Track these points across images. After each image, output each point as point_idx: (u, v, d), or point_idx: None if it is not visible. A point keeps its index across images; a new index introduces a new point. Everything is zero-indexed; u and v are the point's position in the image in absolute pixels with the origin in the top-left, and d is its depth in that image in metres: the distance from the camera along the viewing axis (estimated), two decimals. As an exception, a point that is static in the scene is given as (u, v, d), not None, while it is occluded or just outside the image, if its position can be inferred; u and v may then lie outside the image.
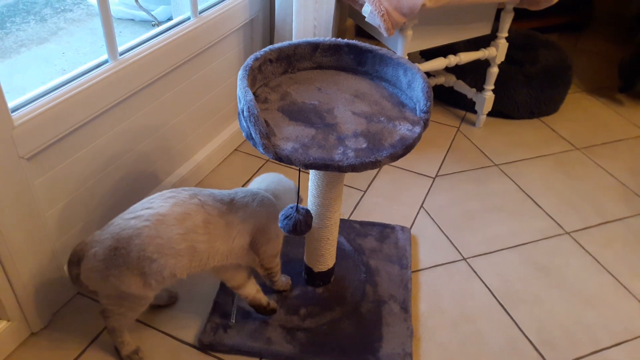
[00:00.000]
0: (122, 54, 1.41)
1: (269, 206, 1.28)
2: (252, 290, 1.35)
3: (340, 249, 1.60)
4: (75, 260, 1.18)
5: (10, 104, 1.16)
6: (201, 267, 1.20)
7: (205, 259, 1.19)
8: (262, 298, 1.38)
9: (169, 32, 1.54)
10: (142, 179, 1.63)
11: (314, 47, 1.31)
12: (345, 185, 1.91)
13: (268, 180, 1.35)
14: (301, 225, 1.17)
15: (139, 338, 1.36)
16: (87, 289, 1.21)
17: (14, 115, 1.15)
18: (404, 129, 1.16)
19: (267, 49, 1.26)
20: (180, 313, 1.44)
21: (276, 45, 1.28)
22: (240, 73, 1.16)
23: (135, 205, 1.19)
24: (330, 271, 1.48)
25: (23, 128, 1.16)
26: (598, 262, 1.68)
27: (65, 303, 1.44)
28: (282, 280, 1.44)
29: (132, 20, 3.02)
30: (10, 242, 1.20)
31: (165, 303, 1.44)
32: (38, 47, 2.90)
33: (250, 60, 1.21)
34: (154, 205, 1.16)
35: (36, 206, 1.25)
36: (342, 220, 1.73)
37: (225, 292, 1.46)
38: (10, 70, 2.67)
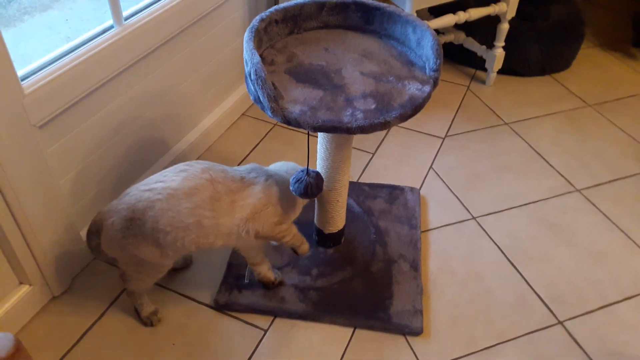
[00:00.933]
0: (127, 18, 1.40)
1: (281, 184, 1.26)
2: (264, 268, 1.38)
3: (350, 211, 1.62)
4: (95, 230, 1.21)
5: (20, 73, 1.17)
6: (209, 244, 1.21)
7: (212, 235, 1.20)
8: (271, 275, 1.40)
9: (172, -5, 1.51)
10: (151, 146, 1.64)
11: (321, 5, 1.29)
12: (354, 147, 1.91)
13: (288, 167, 1.34)
14: (312, 187, 1.18)
15: (157, 300, 1.40)
16: (107, 258, 1.24)
17: (24, 83, 1.16)
18: (414, 89, 1.15)
19: (272, 9, 1.24)
20: (195, 275, 1.47)
21: (281, 5, 1.26)
22: (246, 35, 1.15)
23: (150, 177, 1.21)
24: (341, 232, 1.50)
25: (33, 97, 1.16)
26: (608, 218, 1.68)
27: (84, 267, 1.48)
28: (304, 247, 1.41)
29: (135, -16, 2.97)
30: (28, 209, 1.23)
31: (181, 266, 1.48)
32: (41, 15, 2.86)
33: (255, 21, 1.19)
34: (167, 179, 1.18)
35: (50, 174, 1.27)
36: (351, 183, 1.74)
37: (238, 254, 1.49)
38: (16, 38, 2.65)
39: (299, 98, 1.11)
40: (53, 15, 2.89)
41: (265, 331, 1.35)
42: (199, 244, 1.19)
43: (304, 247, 1.38)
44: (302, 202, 1.33)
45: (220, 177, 1.20)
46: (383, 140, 1.95)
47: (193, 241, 1.18)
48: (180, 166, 1.21)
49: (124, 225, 1.16)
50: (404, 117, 1.09)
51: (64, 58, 1.25)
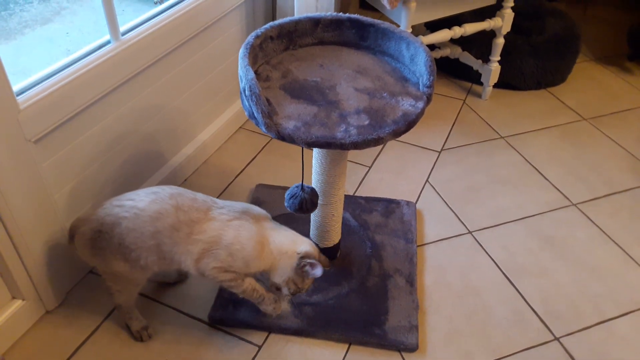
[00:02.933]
0: (124, 34, 1.41)
1: (247, 230, 1.19)
2: (267, 306, 1.29)
3: (346, 225, 1.62)
4: (71, 235, 1.23)
5: (15, 88, 1.17)
6: (168, 267, 1.21)
7: (169, 260, 1.19)
8: (278, 308, 1.32)
9: (170, 10, 1.53)
10: (148, 159, 1.65)
11: (315, 22, 1.30)
12: (350, 161, 1.91)
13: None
14: (307, 203, 1.18)
15: (151, 314, 1.40)
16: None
17: (19, 98, 1.16)
18: (407, 105, 1.15)
19: (267, 25, 1.25)
20: (190, 290, 1.47)
21: (277, 21, 1.27)
22: (241, 51, 1.16)
23: (126, 194, 1.22)
24: (336, 247, 1.50)
25: (28, 112, 1.17)
26: (604, 233, 1.68)
27: (78, 281, 1.47)
28: (270, 308, 1.30)
29: (135, -3, 2.99)
30: (22, 223, 1.23)
31: (175, 280, 1.47)
32: (42, 28, 2.88)
33: (251, 37, 1.20)
34: (137, 198, 1.19)
35: (45, 188, 1.27)
36: (347, 197, 1.74)
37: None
38: (16, 52, 2.67)
39: (293, 114, 1.12)
40: (54, 28, 2.92)
41: (260, 347, 1.35)
42: (160, 265, 1.20)
43: (270, 308, 1.28)
44: (259, 266, 1.21)
45: (187, 205, 1.18)
46: (379, 153, 1.95)
47: (155, 262, 1.19)
48: (154, 188, 1.21)
49: (93, 236, 1.18)
50: (397, 133, 1.10)
51: (60, 73, 1.25)
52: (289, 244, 1.23)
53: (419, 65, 1.20)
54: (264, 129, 1.09)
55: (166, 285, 1.47)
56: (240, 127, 2.04)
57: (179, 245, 1.17)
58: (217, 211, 1.20)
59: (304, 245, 1.24)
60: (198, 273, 1.20)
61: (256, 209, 1.26)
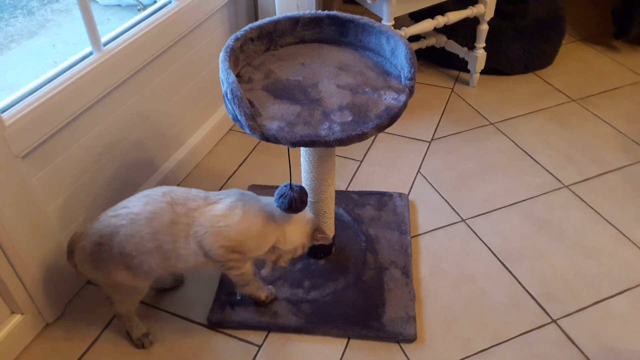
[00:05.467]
0: (105, 44, 1.41)
1: (251, 209, 1.21)
2: (252, 289, 1.35)
3: (339, 220, 1.63)
4: (70, 251, 1.24)
5: (-1, 105, 1.18)
6: (173, 266, 1.22)
7: (174, 259, 1.19)
8: (262, 295, 1.38)
9: (150, 17, 1.53)
10: (139, 167, 1.65)
11: (295, 21, 1.30)
12: (341, 156, 1.92)
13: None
14: (296, 202, 1.18)
15: (150, 320, 1.41)
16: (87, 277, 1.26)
17: (4, 115, 1.17)
18: (390, 99, 1.16)
19: (247, 27, 1.25)
20: (187, 294, 1.48)
21: (256, 23, 1.27)
22: (222, 55, 1.16)
23: (119, 203, 1.23)
24: (331, 243, 1.50)
25: (14, 127, 1.17)
26: (598, 213, 1.69)
27: (76, 293, 1.48)
28: (261, 291, 1.37)
29: (119, 5, 2.99)
30: (15, 239, 1.23)
31: (172, 286, 1.48)
32: (28, 42, 2.89)
33: (230, 41, 1.21)
34: (130, 204, 1.19)
35: (37, 202, 1.28)
36: (339, 192, 1.74)
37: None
38: (3, 67, 2.67)
39: (277, 114, 1.12)
40: (40, 41, 2.92)
41: (260, 347, 1.36)
42: (164, 266, 1.21)
43: (264, 294, 1.37)
44: (269, 241, 1.24)
45: (181, 198, 1.19)
46: (370, 147, 1.96)
47: (159, 264, 1.20)
48: (145, 192, 1.22)
49: (93, 249, 1.18)
50: (380, 128, 1.10)
51: (44, 87, 1.26)
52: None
53: (400, 58, 1.20)
54: (248, 131, 1.10)
55: (163, 291, 1.48)
56: (229, 129, 2.05)
57: (180, 238, 1.18)
58: (216, 197, 1.23)
59: (309, 213, 1.33)
60: (203, 252, 1.19)
61: (249, 192, 1.28)
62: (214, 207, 1.20)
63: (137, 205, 1.18)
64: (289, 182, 1.21)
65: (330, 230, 1.47)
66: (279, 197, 1.21)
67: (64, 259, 1.40)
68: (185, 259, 1.20)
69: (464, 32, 2.21)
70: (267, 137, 1.09)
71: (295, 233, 1.27)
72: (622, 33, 2.42)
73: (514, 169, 1.85)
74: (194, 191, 1.23)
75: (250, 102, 1.14)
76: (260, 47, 1.29)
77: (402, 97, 1.15)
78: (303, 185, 1.35)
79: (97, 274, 1.22)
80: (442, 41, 2.22)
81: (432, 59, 2.37)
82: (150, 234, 1.16)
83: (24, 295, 1.31)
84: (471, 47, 2.15)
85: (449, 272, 1.52)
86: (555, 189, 1.77)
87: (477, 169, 1.86)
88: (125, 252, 1.17)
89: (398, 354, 1.33)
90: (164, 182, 1.74)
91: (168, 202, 1.18)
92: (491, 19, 2.05)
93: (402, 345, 1.35)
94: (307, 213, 1.32)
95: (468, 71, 2.24)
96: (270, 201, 1.25)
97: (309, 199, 1.36)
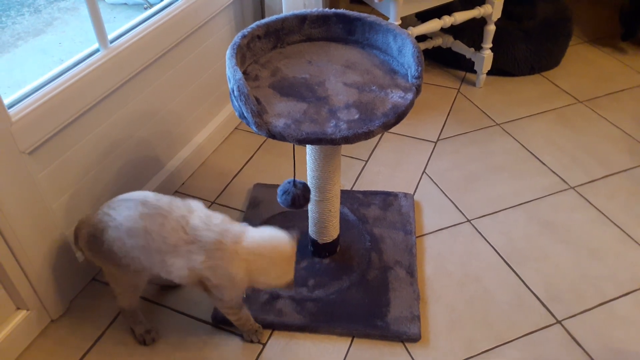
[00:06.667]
0: (112, 41, 1.41)
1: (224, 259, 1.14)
2: (238, 318, 1.30)
3: (344, 220, 1.62)
4: (75, 236, 1.26)
5: (6, 101, 1.18)
6: (152, 275, 1.21)
7: (149, 269, 1.18)
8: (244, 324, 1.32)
9: (157, 15, 1.53)
10: (145, 165, 1.65)
11: (302, 19, 1.30)
12: (346, 156, 1.91)
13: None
14: (299, 199, 1.18)
15: (155, 318, 1.41)
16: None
17: (11, 111, 1.17)
18: (396, 97, 1.15)
19: (254, 25, 1.25)
20: (192, 292, 1.48)
21: (263, 20, 1.27)
22: (228, 52, 1.16)
23: (116, 198, 1.22)
24: (335, 242, 1.50)
25: (21, 124, 1.18)
26: (603, 214, 1.68)
27: (81, 289, 1.48)
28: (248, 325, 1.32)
29: (126, 4, 3.00)
30: (21, 235, 1.24)
31: (176, 284, 1.48)
32: (35, 39, 2.90)
33: (237, 38, 1.21)
34: (118, 208, 1.18)
35: (42, 199, 1.28)
36: (345, 191, 1.74)
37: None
38: (10, 64, 2.68)
39: (283, 112, 1.12)
40: (47, 39, 2.93)
41: (264, 345, 1.36)
42: (146, 274, 1.21)
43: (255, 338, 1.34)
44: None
45: (164, 209, 1.15)
46: (375, 147, 1.96)
47: (146, 269, 1.18)
48: (129, 202, 1.18)
49: (89, 239, 1.20)
50: (387, 126, 1.10)
51: (50, 84, 1.26)
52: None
53: (407, 57, 1.20)
54: (254, 128, 1.10)
55: (168, 289, 1.48)
56: (235, 128, 2.05)
57: (155, 265, 1.16)
58: (194, 234, 1.14)
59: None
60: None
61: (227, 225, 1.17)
62: (190, 255, 1.14)
63: (121, 215, 1.16)
64: (292, 178, 1.20)
65: (335, 229, 1.47)
66: (282, 194, 1.21)
67: (68, 255, 1.40)
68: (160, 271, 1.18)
69: (471, 32, 2.20)
70: (273, 135, 1.09)
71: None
72: (630, 35, 2.41)
73: (519, 169, 1.84)
74: (170, 224, 1.15)
75: (257, 100, 1.14)
76: (267, 44, 1.29)
77: (409, 96, 1.15)
78: (308, 183, 1.35)
79: (96, 261, 1.24)
80: (448, 41, 2.22)
81: (439, 59, 2.37)
82: (132, 245, 1.15)
83: (29, 291, 1.31)
84: (478, 47, 2.15)
85: (454, 272, 1.52)
86: (561, 190, 1.76)
87: (482, 169, 1.85)
88: (113, 250, 1.17)
89: (402, 354, 1.33)
90: (170, 180, 1.74)
91: (143, 228, 1.14)
92: (498, 19, 2.04)
93: (406, 344, 1.35)
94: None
95: (474, 72, 2.23)
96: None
97: (314, 198, 1.36)
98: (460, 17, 1.97)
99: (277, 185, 1.76)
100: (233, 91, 1.10)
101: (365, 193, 1.73)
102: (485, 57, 2.12)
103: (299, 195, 1.17)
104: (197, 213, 1.16)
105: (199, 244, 1.12)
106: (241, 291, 1.21)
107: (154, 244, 1.13)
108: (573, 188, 1.77)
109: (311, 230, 1.47)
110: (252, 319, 1.34)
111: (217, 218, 1.16)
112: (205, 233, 1.13)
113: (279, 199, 1.20)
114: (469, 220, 1.67)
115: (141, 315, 1.34)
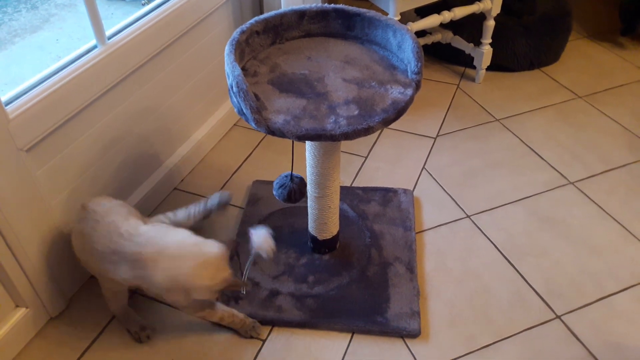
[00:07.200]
0: (110, 37, 1.40)
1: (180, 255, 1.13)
2: (214, 316, 1.28)
3: (344, 216, 1.62)
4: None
5: (3, 98, 1.17)
6: (129, 284, 1.22)
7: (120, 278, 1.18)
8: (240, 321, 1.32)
9: (155, 11, 1.52)
10: (144, 162, 1.65)
11: (301, 15, 1.30)
12: (346, 152, 1.91)
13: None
14: (295, 193, 1.18)
15: (154, 315, 1.41)
16: None
17: (8, 108, 1.17)
18: (396, 93, 1.15)
19: (252, 20, 1.25)
20: (191, 289, 1.47)
21: (262, 16, 1.26)
22: (227, 48, 1.16)
23: (98, 199, 1.24)
24: (335, 238, 1.50)
25: (18, 121, 1.17)
26: (603, 209, 1.68)
27: (80, 287, 1.48)
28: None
29: (123, 0, 2.99)
30: (19, 232, 1.23)
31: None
32: (32, 36, 2.88)
33: (236, 34, 1.20)
34: (88, 216, 1.20)
35: (41, 196, 1.27)
36: (344, 187, 1.74)
37: (233, 266, 1.49)
38: (7, 61, 2.67)
39: (283, 108, 1.12)
40: (44, 35, 2.91)
41: (264, 341, 1.36)
42: (125, 282, 1.21)
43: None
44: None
45: (132, 217, 1.20)
46: (375, 143, 1.95)
47: (120, 279, 1.18)
48: (94, 215, 1.20)
49: (77, 238, 1.22)
50: (387, 122, 1.10)
51: (48, 80, 1.25)
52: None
53: (407, 52, 1.19)
54: (253, 124, 1.09)
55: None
56: (234, 125, 2.04)
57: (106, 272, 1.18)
58: (118, 242, 1.16)
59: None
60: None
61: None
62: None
63: (89, 224, 1.18)
64: (289, 172, 1.20)
65: (335, 226, 1.47)
66: (279, 187, 1.21)
67: (68, 253, 1.40)
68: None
69: (470, 28, 2.20)
70: (272, 131, 1.08)
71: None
72: (629, 30, 2.40)
73: (519, 165, 1.84)
74: (125, 232, 1.17)
75: (256, 96, 1.14)
76: (266, 40, 1.28)
77: (409, 91, 1.15)
78: (308, 180, 1.35)
79: (81, 257, 1.25)
80: (448, 37, 2.21)
81: (438, 55, 2.36)
82: (97, 248, 1.17)
83: (28, 288, 1.31)
84: (477, 43, 2.14)
85: (454, 268, 1.52)
86: (561, 186, 1.76)
87: (482, 165, 1.85)
88: (93, 254, 1.18)
89: (402, 349, 1.33)
90: (169, 177, 1.74)
91: (112, 222, 1.15)
92: (497, 15, 2.04)
93: (406, 340, 1.35)
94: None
95: (474, 67, 2.23)
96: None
97: (314, 194, 1.36)
98: (459, 12, 1.96)
99: (277, 182, 1.76)
100: (232, 87, 1.10)
101: (365, 189, 1.73)
102: (485, 53, 2.11)
103: (296, 190, 1.17)
104: (130, 222, 1.16)
105: (120, 254, 1.14)
106: (189, 296, 1.14)
107: (89, 248, 1.17)
108: (572, 183, 1.77)
109: (311, 227, 1.47)
110: (241, 316, 1.31)
111: (144, 228, 1.16)
112: (125, 243, 1.14)
113: (275, 192, 1.19)
114: (468, 216, 1.67)
115: (134, 313, 1.34)
